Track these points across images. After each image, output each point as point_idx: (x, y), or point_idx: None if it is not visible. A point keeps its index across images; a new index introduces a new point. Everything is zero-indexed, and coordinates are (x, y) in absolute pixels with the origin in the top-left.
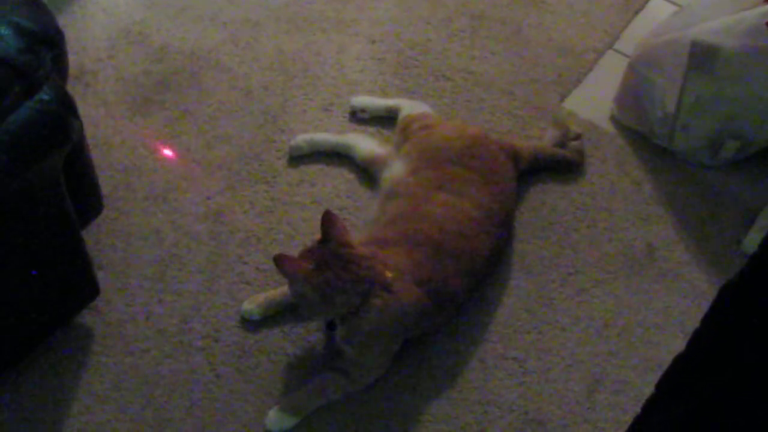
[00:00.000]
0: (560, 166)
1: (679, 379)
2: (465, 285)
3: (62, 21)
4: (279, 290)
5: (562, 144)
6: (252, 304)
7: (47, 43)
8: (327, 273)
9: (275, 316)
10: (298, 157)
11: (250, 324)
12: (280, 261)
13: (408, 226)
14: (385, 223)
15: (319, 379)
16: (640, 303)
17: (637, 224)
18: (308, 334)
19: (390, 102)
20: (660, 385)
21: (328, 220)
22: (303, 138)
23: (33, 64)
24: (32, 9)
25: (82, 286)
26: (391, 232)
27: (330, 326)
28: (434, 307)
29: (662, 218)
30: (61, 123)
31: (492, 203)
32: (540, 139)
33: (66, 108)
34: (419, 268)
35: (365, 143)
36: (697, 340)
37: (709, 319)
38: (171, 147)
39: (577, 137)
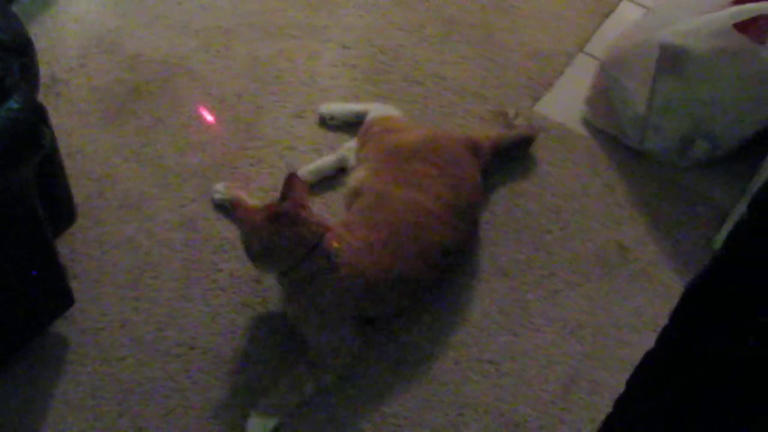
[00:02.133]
0: (521, 145)
1: (649, 376)
2: (419, 271)
3: (34, 30)
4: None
5: (511, 127)
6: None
7: (15, 52)
8: (274, 226)
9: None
10: (270, 163)
11: (225, 330)
12: (235, 205)
13: (369, 214)
14: (350, 214)
15: (290, 375)
16: (613, 303)
17: (610, 225)
18: (285, 341)
19: (358, 107)
20: (630, 382)
21: (290, 181)
22: (307, 169)
23: (0, 72)
24: (1, 17)
25: (56, 295)
26: (354, 218)
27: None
28: (384, 287)
29: (634, 219)
30: (32, 131)
31: (450, 195)
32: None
33: (36, 116)
34: (374, 248)
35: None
36: (665, 336)
37: (676, 316)
38: (143, 156)
39: (517, 115)
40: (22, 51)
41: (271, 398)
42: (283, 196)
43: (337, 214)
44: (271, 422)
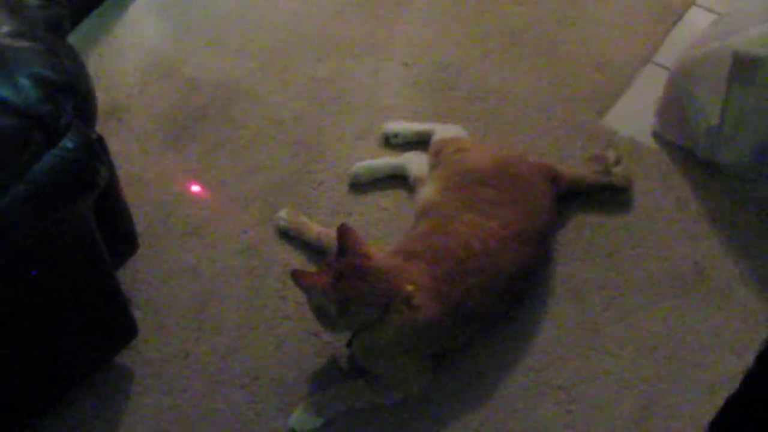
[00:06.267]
0: (606, 191)
1: (733, 419)
2: (488, 302)
3: (94, 56)
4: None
5: (605, 173)
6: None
7: (68, 91)
8: (344, 285)
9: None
10: (331, 186)
11: (290, 359)
12: (297, 276)
13: (433, 241)
14: (413, 237)
15: (348, 384)
16: (689, 324)
17: (684, 242)
18: (349, 371)
19: (423, 126)
20: (714, 426)
21: (343, 232)
22: (361, 165)
23: (53, 113)
24: (52, 57)
25: (119, 326)
26: (417, 245)
27: (350, 345)
28: (454, 322)
29: (709, 235)
30: (87, 170)
31: (521, 223)
32: (578, 163)
33: (91, 154)
34: (440, 282)
35: (419, 163)
36: (750, 379)
37: (762, 358)
38: (204, 181)
39: (618, 162)
40: (74, 90)
41: (321, 399)
42: (341, 249)
43: (387, 210)
44: (314, 421)
